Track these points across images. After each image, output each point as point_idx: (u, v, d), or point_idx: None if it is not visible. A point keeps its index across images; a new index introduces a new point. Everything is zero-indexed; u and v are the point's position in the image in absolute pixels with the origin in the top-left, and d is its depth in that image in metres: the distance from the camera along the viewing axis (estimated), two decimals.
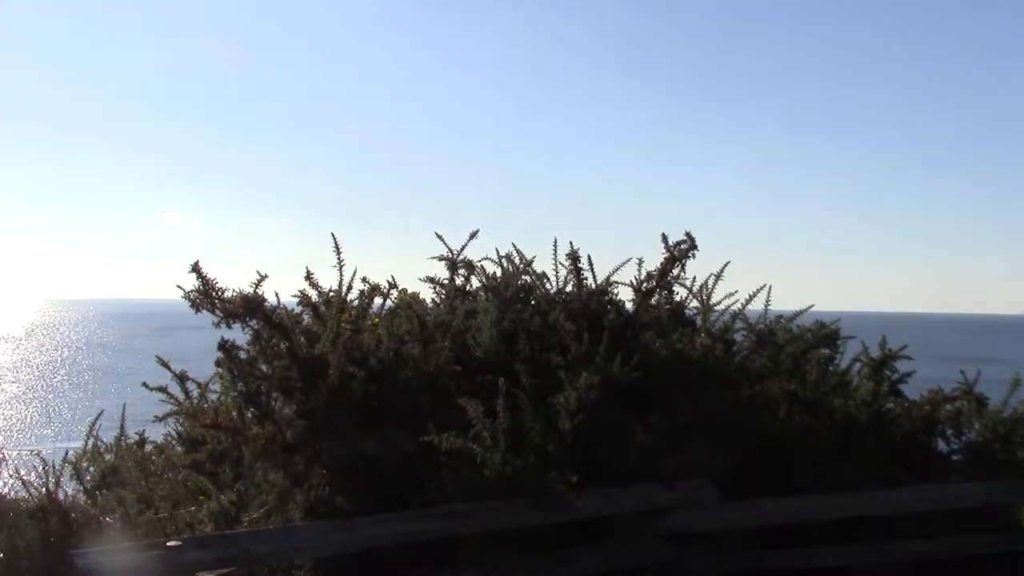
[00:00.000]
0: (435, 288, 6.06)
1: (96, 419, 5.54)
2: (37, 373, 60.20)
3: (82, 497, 5.17)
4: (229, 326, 4.99)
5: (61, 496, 4.82)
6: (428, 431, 4.73)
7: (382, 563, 4.76)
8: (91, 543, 4.41)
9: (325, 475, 4.92)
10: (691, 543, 5.48)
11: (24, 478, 4.82)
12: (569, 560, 5.16)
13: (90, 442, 5.55)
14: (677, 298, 5.90)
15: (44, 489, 4.76)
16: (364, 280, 5.36)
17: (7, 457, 5.03)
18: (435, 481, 4.88)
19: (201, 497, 4.89)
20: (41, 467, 5.06)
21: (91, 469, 5.37)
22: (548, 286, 5.71)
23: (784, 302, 6.27)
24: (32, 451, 5.35)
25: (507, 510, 4.76)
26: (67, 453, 5.23)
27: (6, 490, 4.87)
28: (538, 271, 5.77)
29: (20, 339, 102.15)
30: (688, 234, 5.49)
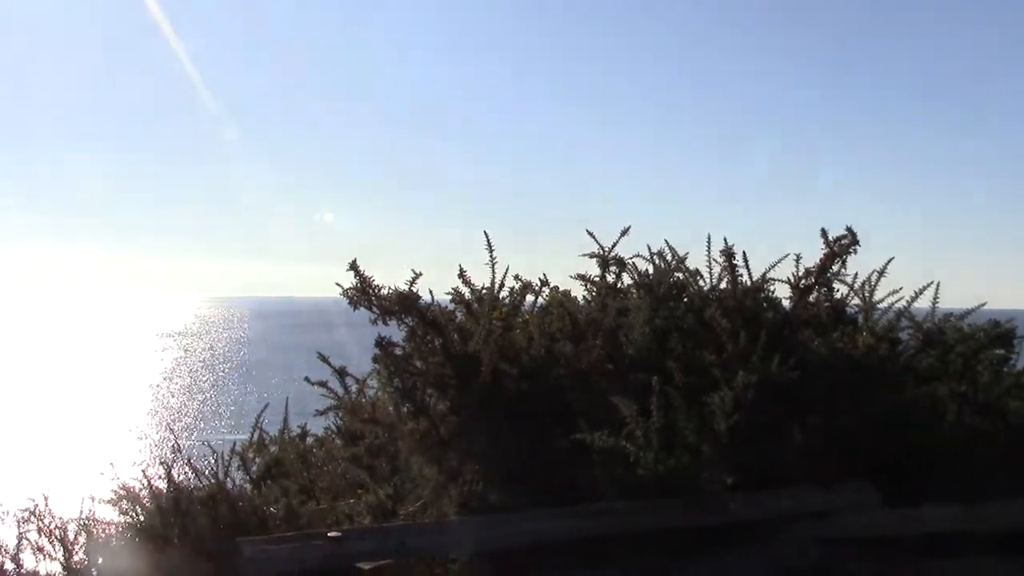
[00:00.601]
0: (586, 285, 6.04)
1: (262, 413, 5.76)
2: (203, 368, 63.26)
3: (248, 487, 5.38)
4: (385, 323, 5.11)
5: (230, 486, 5.04)
6: (580, 429, 4.72)
7: (532, 559, 4.78)
8: (257, 531, 4.59)
9: (478, 471, 4.97)
10: (848, 548, 5.29)
11: (196, 468, 5.06)
12: (722, 562, 5.06)
13: (256, 434, 5.77)
14: (837, 295, 5.70)
15: (214, 479, 4.98)
16: (516, 278, 5.40)
17: (181, 447, 5.28)
18: (587, 479, 4.86)
19: (359, 490, 5.02)
20: (211, 458, 5.30)
21: (257, 460, 5.59)
22: (702, 283, 5.61)
23: (952, 300, 5.96)
24: (203, 442, 5.61)
25: (660, 510, 4.70)
26: (235, 445, 5.46)
27: (180, 479, 5.11)
28: (691, 268, 5.67)
29: (185, 336, 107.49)
30: (849, 229, 5.30)
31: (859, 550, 5.27)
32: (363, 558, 3.97)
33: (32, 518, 5.44)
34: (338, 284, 5.04)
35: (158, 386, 50.57)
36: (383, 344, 4.89)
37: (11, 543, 5.47)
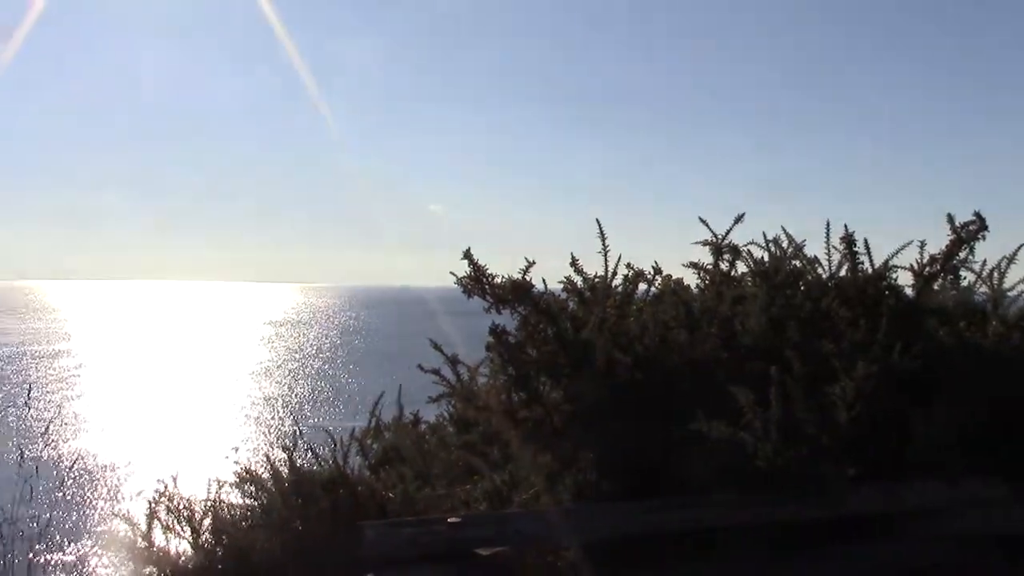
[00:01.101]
0: (699, 274, 5.95)
1: (379, 400, 5.84)
2: (315, 356, 64.70)
3: (366, 472, 5.48)
4: (499, 311, 5.13)
5: (349, 471, 5.14)
6: (695, 419, 4.65)
7: (644, 549, 4.74)
8: (375, 516, 4.67)
9: (591, 460, 4.96)
10: (975, 545, 5.09)
11: (317, 452, 5.18)
12: (841, 557, 4.93)
13: (373, 421, 5.87)
14: (964, 283, 5.48)
15: (333, 463, 5.09)
16: (628, 266, 5.36)
17: (302, 433, 5.41)
18: (702, 470, 4.80)
19: (475, 476, 5.06)
20: (329, 443, 5.42)
21: (374, 446, 5.69)
22: (820, 271, 5.47)
23: None
24: (322, 428, 5.73)
25: (778, 503, 4.61)
26: (353, 431, 5.56)
27: (301, 463, 5.24)
28: (809, 255, 5.53)
29: (297, 325, 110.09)
30: (977, 214, 5.08)
31: (985, 548, 5.08)
32: (480, 544, 4.00)
33: (162, 498, 5.66)
34: (452, 273, 5.07)
35: (274, 374, 51.92)
36: (497, 332, 4.90)
37: (143, 521, 5.72)
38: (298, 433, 5.45)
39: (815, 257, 5.49)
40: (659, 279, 5.59)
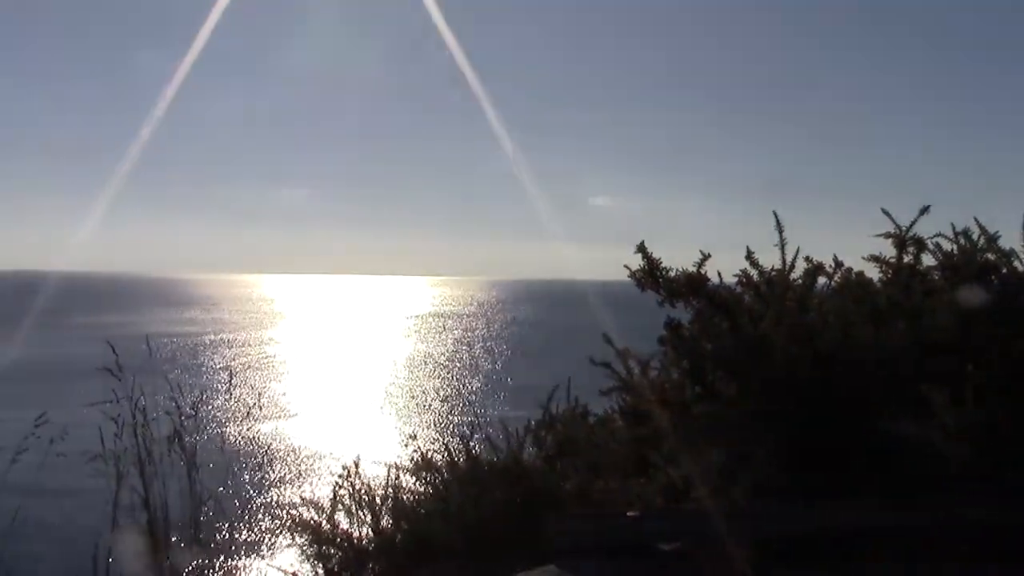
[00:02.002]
0: (881, 267, 5.66)
1: (553, 392, 5.83)
2: (483, 348, 65.71)
3: (541, 464, 5.48)
4: (672, 305, 5.03)
5: (525, 461, 5.15)
6: (881, 417, 4.43)
7: (821, 550, 4.55)
8: (550, 507, 4.66)
9: (768, 456, 4.80)
10: None
11: (494, 442, 5.21)
12: None
13: (546, 413, 5.87)
14: None
15: (509, 454, 5.11)
16: (807, 259, 5.15)
17: (480, 423, 5.45)
18: (888, 471, 4.57)
19: (649, 470, 4.98)
20: (502, 434, 5.45)
21: (548, 438, 5.68)
22: (1016, 264, 5.11)
23: None
24: (497, 418, 5.77)
25: (975, 504, 4.34)
26: (529, 422, 5.57)
27: (477, 453, 5.29)
28: (1004, 248, 5.17)
29: (463, 317, 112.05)
30: None
31: None
32: (660, 539, 3.92)
33: (345, 483, 5.83)
34: (626, 267, 5.01)
35: (442, 365, 53.05)
36: (673, 325, 4.81)
37: (327, 505, 5.90)
38: (476, 423, 5.50)
39: (1012, 249, 5.13)
40: (839, 272, 5.35)
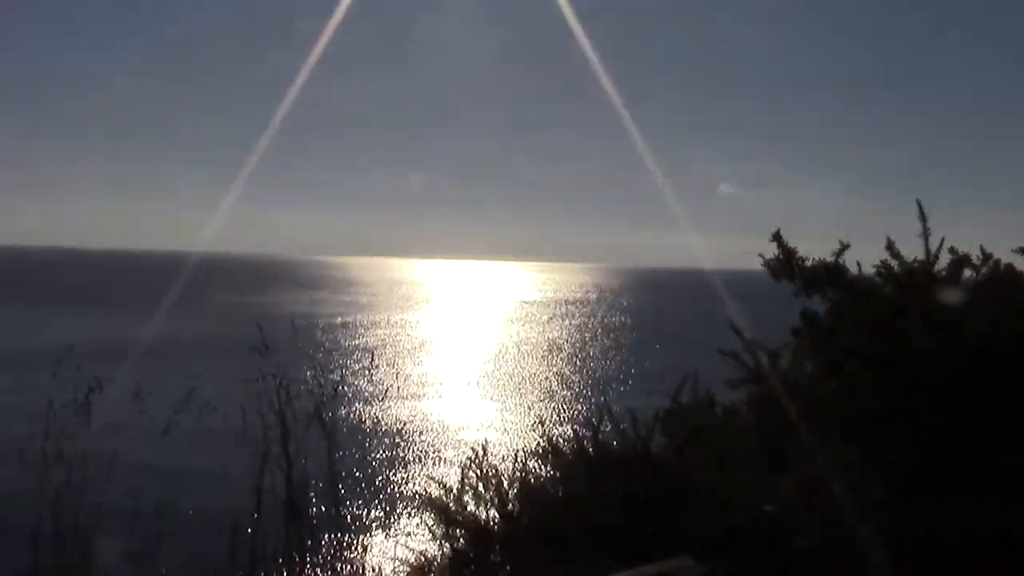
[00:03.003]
0: None
1: (684, 381, 5.69)
2: (606, 334, 65.34)
3: (670, 454, 5.37)
4: (808, 296, 4.85)
5: (653, 450, 5.05)
6: None
7: (960, 549, 4.32)
8: (677, 497, 4.56)
9: (906, 454, 4.58)
10: None
11: (623, 430, 5.12)
12: None
13: (674, 402, 5.74)
14: None
15: (638, 442, 5.01)
16: (952, 250, 4.89)
17: (611, 411, 5.38)
18: None
19: (781, 464, 4.82)
20: (632, 422, 5.34)
21: (678, 428, 5.55)
22: None
23: None
24: (625, 407, 5.67)
25: None
26: (657, 412, 5.46)
27: (605, 440, 5.21)
28: None
29: (585, 304, 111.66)
30: None
31: None
32: (794, 534, 3.78)
33: (472, 466, 5.83)
34: (760, 255, 4.85)
35: (567, 351, 53.00)
36: (809, 316, 4.63)
37: (455, 486, 5.92)
38: (603, 411, 5.42)
39: None
40: (987, 265, 5.06)
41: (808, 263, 4.74)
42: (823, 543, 3.94)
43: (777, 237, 4.74)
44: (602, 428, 5.31)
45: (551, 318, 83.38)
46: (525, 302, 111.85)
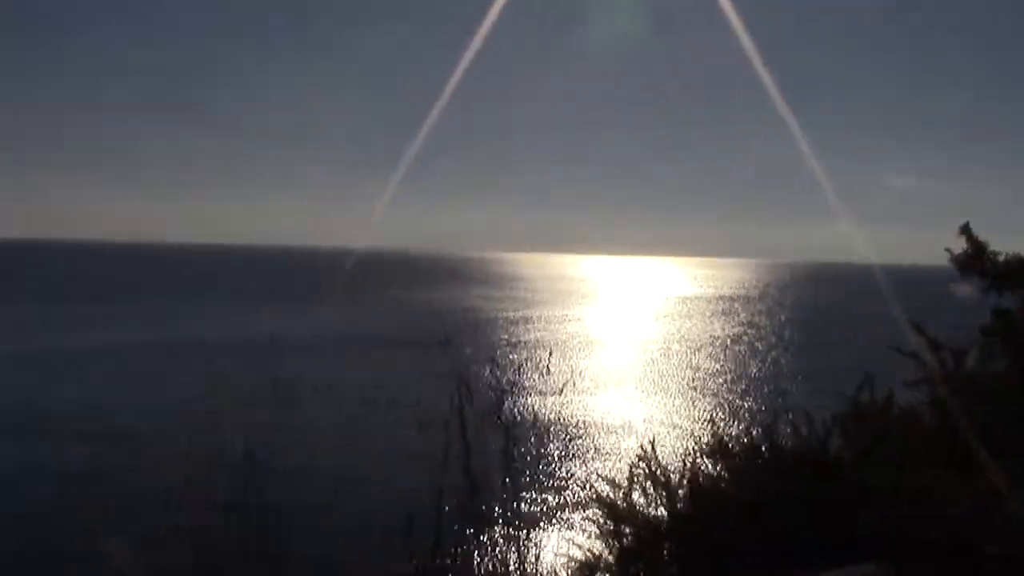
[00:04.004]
0: None
1: (864, 382, 5.41)
2: (771, 331, 63.41)
3: (847, 455, 5.12)
4: (999, 292, 4.52)
5: (830, 452, 4.82)
6: None
7: None
8: (858, 499, 4.32)
9: None
10: None
11: (799, 430, 4.92)
12: None
13: (852, 403, 5.47)
14: None
15: (815, 444, 4.80)
16: None
17: (784, 409, 5.17)
18: None
19: (970, 468, 4.50)
20: (806, 422, 5.12)
21: (856, 429, 5.29)
22: None
23: None
24: (797, 407, 5.43)
25: None
26: (835, 413, 5.21)
27: (780, 439, 5.01)
28: None
29: (745, 300, 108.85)
30: None
31: None
32: (985, 541, 3.51)
33: (641, 463, 5.73)
34: (948, 250, 4.56)
35: (732, 347, 51.76)
36: (1001, 313, 4.31)
37: (623, 482, 5.84)
38: (776, 410, 5.21)
39: None
40: None
41: (1001, 257, 4.40)
42: (1015, 551, 3.63)
43: (966, 230, 4.44)
44: (777, 428, 5.10)
45: (712, 314, 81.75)
46: (685, 298, 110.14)
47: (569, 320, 70.70)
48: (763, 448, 4.96)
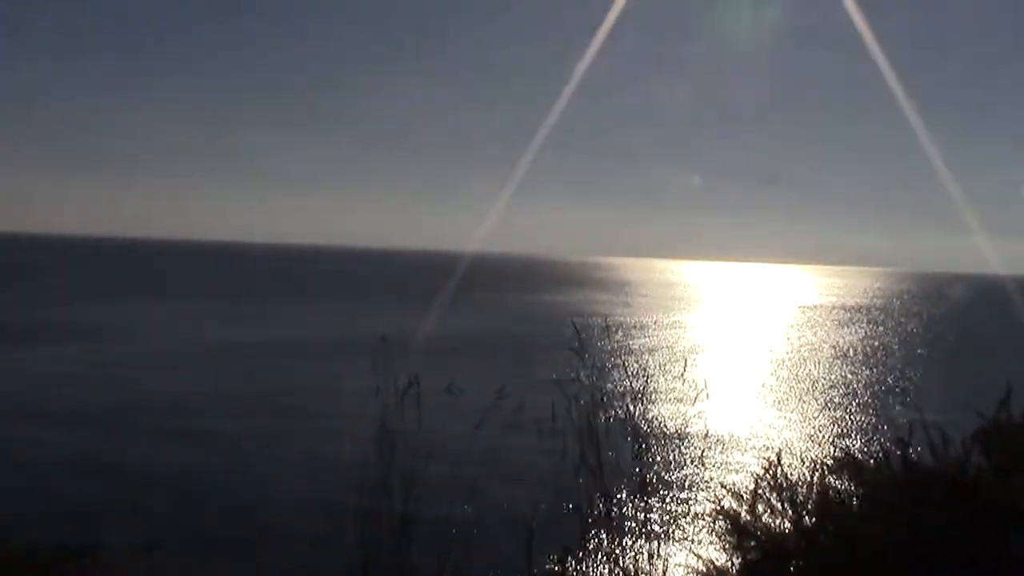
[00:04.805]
0: None
1: (1006, 396, 5.10)
2: (901, 343, 61.03)
3: (991, 476, 4.83)
4: None
5: (971, 472, 4.56)
6: None
7: None
8: (1008, 524, 4.08)
9: None
10: None
11: (936, 448, 4.67)
12: None
13: (994, 420, 5.16)
14: None
15: (954, 462, 4.55)
16: None
17: (924, 424, 4.92)
18: None
19: None
20: (942, 439, 4.86)
21: (1000, 449, 4.99)
22: None
23: None
24: (935, 423, 5.14)
25: None
26: (975, 430, 4.93)
27: (917, 458, 4.78)
28: None
29: (872, 311, 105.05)
30: None
31: None
32: None
33: (767, 475, 5.55)
34: None
35: (856, 359, 50.07)
36: None
37: (747, 496, 5.66)
38: (910, 426, 4.96)
39: None
40: None
41: None
42: None
43: None
44: (911, 444, 4.86)
45: (839, 324, 79.26)
46: (807, 307, 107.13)
47: (689, 327, 69.72)
48: (897, 466, 4.73)
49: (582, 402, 6.39)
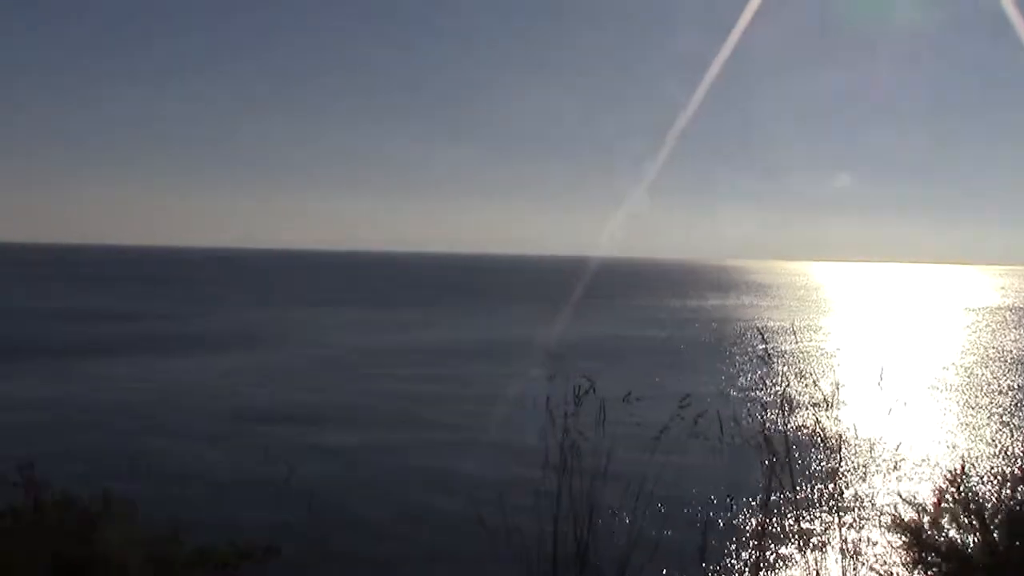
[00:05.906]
0: None
1: None
2: None
3: None
4: None
5: None
6: None
7: None
8: None
9: None
10: None
11: None
12: None
13: None
14: None
15: None
16: None
17: None
18: None
19: None
20: None
21: None
22: None
23: None
24: None
25: None
26: None
27: None
28: None
29: (1006, 311, 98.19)
30: None
31: None
32: None
33: (950, 488, 5.38)
34: None
35: (1014, 364, 46.97)
36: None
37: (930, 508, 5.50)
38: None
39: None
40: None
41: None
42: None
43: None
44: None
45: (1009, 326, 74.61)
46: (973, 308, 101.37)
47: (858, 331, 67.11)
48: None
49: (768, 412, 6.31)
